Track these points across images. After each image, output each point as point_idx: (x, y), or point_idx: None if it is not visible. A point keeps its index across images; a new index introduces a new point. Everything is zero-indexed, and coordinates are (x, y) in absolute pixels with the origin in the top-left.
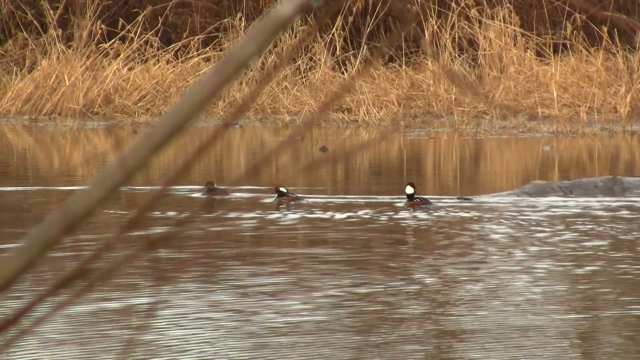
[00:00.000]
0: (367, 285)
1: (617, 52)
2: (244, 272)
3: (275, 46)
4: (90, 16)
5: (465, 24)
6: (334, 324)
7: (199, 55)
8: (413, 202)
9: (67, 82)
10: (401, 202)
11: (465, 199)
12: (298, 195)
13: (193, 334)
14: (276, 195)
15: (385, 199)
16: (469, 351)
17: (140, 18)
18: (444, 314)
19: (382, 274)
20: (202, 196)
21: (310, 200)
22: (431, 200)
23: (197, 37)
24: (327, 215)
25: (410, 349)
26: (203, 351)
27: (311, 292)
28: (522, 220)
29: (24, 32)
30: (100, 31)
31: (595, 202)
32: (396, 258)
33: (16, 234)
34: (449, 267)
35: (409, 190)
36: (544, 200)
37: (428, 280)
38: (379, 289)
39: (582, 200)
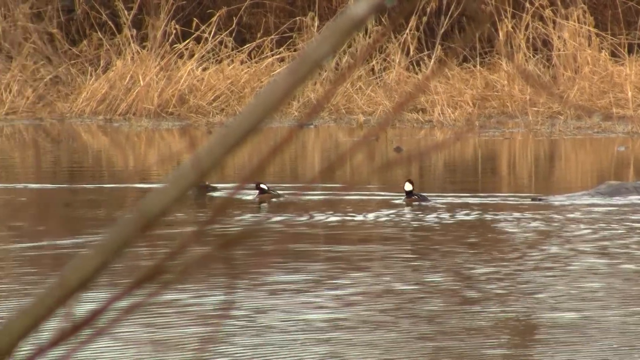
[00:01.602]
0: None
1: None
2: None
3: (349, 46)
4: (164, 16)
5: (539, 24)
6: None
7: (273, 55)
8: (411, 198)
9: (141, 82)
10: (473, 200)
11: (540, 199)
12: (279, 192)
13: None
14: (257, 192)
15: (461, 199)
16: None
17: (214, 19)
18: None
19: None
20: (193, 194)
21: (386, 199)
22: (429, 198)
23: (271, 37)
24: (400, 214)
25: (489, 353)
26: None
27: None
28: (596, 220)
29: (99, 33)
30: (174, 31)
31: None
32: (471, 258)
33: (92, 233)
34: (525, 267)
35: (408, 187)
36: (618, 201)
37: (503, 283)
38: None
39: None
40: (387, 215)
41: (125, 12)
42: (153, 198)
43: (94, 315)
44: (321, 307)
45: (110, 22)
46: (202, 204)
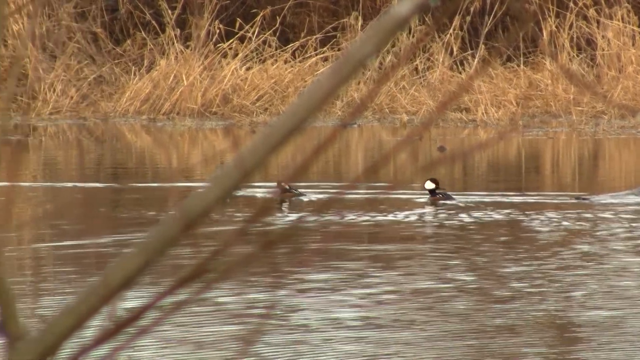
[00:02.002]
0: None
1: None
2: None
3: (393, 46)
4: (208, 16)
5: (583, 24)
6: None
7: (316, 54)
8: (435, 197)
9: (185, 82)
10: (516, 199)
11: (584, 198)
12: (300, 191)
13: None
14: (278, 190)
15: (507, 198)
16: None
17: (258, 18)
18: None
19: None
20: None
21: (422, 199)
22: (454, 196)
23: (314, 36)
24: (444, 213)
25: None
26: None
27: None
28: (638, 219)
29: (142, 32)
30: (218, 31)
31: None
32: (509, 257)
33: (135, 232)
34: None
35: (430, 185)
36: None
37: (539, 281)
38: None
39: None
40: (424, 214)
41: (169, 12)
42: (196, 198)
43: (138, 314)
44: (354, 306)
45: (154, 22)
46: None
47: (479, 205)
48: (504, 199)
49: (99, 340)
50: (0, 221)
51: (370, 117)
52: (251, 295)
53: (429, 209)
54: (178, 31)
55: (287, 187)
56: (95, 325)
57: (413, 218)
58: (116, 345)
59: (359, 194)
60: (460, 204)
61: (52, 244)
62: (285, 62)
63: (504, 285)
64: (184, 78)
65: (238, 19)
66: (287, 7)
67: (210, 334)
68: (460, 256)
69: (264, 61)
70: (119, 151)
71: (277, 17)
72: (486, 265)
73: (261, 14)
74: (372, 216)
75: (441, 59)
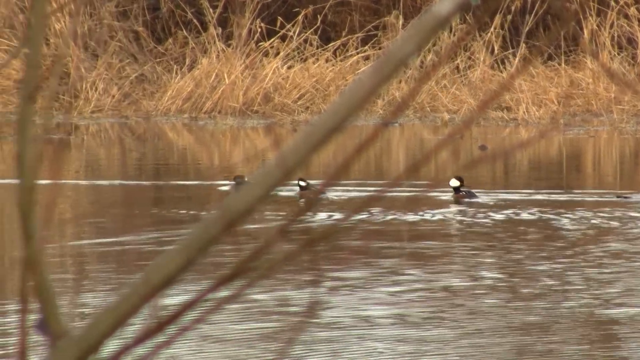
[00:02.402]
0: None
1: None
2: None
3: (434, 45)
4: (249, 15)
5: (624, 22)
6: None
7: (358, 53)
8: (459, 195)
9: (226, 80)
10: (559, 198)
11: (624, 196)
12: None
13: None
14: (298, 188)
15: (546, 196)
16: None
17: (300, 17)
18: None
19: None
20: (231, 190)
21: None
22: (477, 194)
23: (356, 35)
24: (489, 213)
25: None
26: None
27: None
28: None
29: (184, 31)
30: (259, 30)
31: None
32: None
33: (176, 229)
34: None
35: (454, 183)
36: None
37: (572, 278)
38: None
39: None
40: (457, 212)
41: (211, 11)
42: (238, 196)
43: (179, 313)
44: (385, 304)
45: (195, 21)
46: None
47: (512, 204)
48: (543, 197)
49: (140, 339)
50: (43, 219)
51: (412, 115)
52: (283, 293)
53: (462, 208)
54: (220, 30)
55: (307, 184)
56: (136, 324)
57: (449, 216)
58: (157, 344)
59: (400, 192)
60: (489, 202)
61: (93, 242)
62: (327, 60)
63: (536, 283)
64: (226, 77)
65: (279, 17)
66: (328, 5)
67: (242, 331)
68: (492, 254)
69: (305, 60)
70: (161, 150)
71: (319, 16)
72: (518, 263)
73: (303, 13)
74: (408, 214)
75: (482, 58)
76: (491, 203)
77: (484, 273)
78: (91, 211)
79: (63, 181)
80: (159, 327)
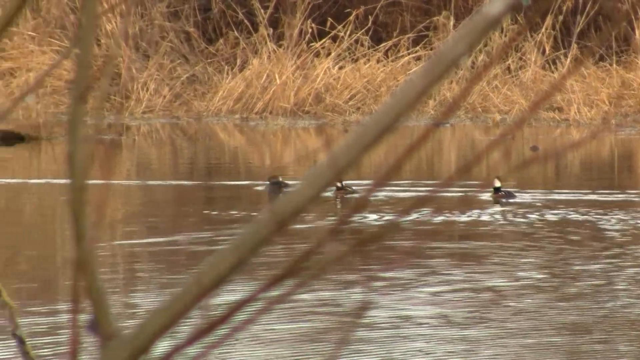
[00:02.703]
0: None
1: None
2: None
3: (485, 45)
4: (300, 15)
5: None
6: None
7: (409, 54)
8: (498, 194)
9: (278, 81)
10: (611, 198)
11: None
12: (354, 189)
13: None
14: (335, 188)
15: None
16: None
17: (351, 17)
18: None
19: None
20: (266, 191)
21: (522, 198)
22: (515, 194)
23: (407, 35)
24: (535, 213)
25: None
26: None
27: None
28: None
29: (235, 31)
30: (310, 30)
31: None
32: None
33: (227, 229)
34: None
35: (497, 183)
36: None
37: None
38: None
39: None
40: (500, 213)
41: (262, 11)
42: (289, 196)
43: (231, 313)
44: (424, 303)
45: (246, 21)
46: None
47: (559, 204)
48: (594, 197)
49: (191, 339)
50: (93, 219)
51: (463, 116)
52: (322, 293)
53: (507, 208)
54: (271, 30)
55: (342, 185)
56: (187, 324)
57: (494, 217)
58: (208, 344)
59: (452, 192)
60: (536, 202)
61: (144, 242)
62: (378, 61)
63: (580, 283)
64: (277, 77)
65: (330, 18)
66: (379, 6)
67: (281, 331)
68: (536, 254)
69: (356, 60)
70: (212, 150)
71: (370, 16)
72: (563, 263)
73: (354, 14)
74: (452, 215)
75: (533, 58)
76: (539, 203)
77: (528, 273)
78: (142, 211)
79: (114, 181)
80: (210, 327)
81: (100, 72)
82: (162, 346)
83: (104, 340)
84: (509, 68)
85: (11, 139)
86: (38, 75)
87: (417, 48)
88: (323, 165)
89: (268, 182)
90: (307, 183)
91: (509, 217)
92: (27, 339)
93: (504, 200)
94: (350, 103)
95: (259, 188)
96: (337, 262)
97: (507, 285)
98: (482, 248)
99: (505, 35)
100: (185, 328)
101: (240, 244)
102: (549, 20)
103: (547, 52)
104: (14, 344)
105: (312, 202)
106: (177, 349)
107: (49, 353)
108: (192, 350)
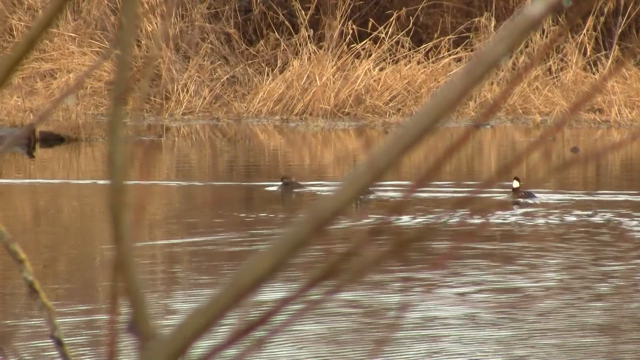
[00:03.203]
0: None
1: None
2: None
3: (526, 46)
4: (340, 17)
5: None
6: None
7: (450, 55)
8: (517, 194)
9: (318, 82)
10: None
11: None
12: (370, 189)
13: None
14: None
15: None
16: None
17: (392, 19)
18: None
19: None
20: (279, 191)
21: (557, 199)
22: (535, 194)
23: (447, 37)
24: (571, 214)
25: None
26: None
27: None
28: None
29: (276, 33)
30: (351, 31)
31: None
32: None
33: (266, 230)
34: None
35: (515, 184)
36: None
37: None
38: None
39: None
40: (529, 213)
41: (302, 12)
42: (328, 198)
43: (270, 314)
44: (450, 304)
45: (287, 22)
46: (287, 200)
47: (588, 204)
48: (629, 198)
49: (230, 340)
50: (133, 220)
51: (504, 117)
52: (350, 294)
53: (531, 209)
54: (311, 31)
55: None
56: (226, 325)
57: (518, 217)
58: (247, 345)
59: (501, 192)
60: (564, 203)
61: (183, 242)
62: (418, 62)
63: (600, 284)
64: (317, 78)
65: (371, 19)
66: (420, 7)
67: (305, 332)
68: (558, 255)
69: (397, 62)
70: (251, 151)
71: (411, 18)
72: (588, 264)
73: (395, 15)
74: (478, 216)
75: (574, 60)
76: (567, 204)
77: (553, 274)
78: (181, 212)
79: (154, 182)
80: (249, 328)
81: (140, 74)
82: (201, 347)
83: (142, 341)
84: (550, 69)
85: (51, 140)
86: (78, 76)
87: (458, 49)
88: (362, 166)
89: (281, 182)
90: (346, 185)
91: (538, 217)
92: (65, 341)
93: (522, 200)
94: (390, 104)
95: (271, 188)
96: (377, 264)
97: (535, 286)
98: (510, 249)
99: (546, 37)
100: (223, 329)
101: (279, 246)
102: (590, 21)
103: (588, 53)
104: (53, 345)
105: (351, 203)
106: (215, 350)
107: (87, 354)
108: (231, 351)
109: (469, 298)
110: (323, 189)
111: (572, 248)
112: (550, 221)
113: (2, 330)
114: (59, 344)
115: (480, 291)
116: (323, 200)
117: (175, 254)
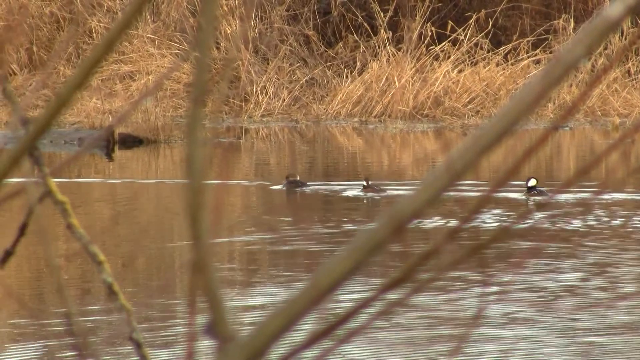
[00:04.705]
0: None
1: None
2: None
3: (605, 48)
4: (419, 19)
5: None
6: None
7: (528, 57)
8: (531, 193)
9: (397, 84)
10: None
11: None
12: (382, 187)
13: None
14: (362, 187)
15: None
16: None
17: (471, 21)
18: None
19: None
20: (283, 189)
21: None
22: (548, 193)
23: (526, 39)
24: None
25: None
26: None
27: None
28: None
29: (355, 35)
30: (430, 33)
31: None
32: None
33: (345, 231)
34: None
35: (532, 182)
36: None
37: None
38: None
39: None
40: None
41: (381, 14)
42: (406, 200)
43: (348, 316)
44: (469, 304)
45: (366, 24)
46: (292, 199)
47: (613, 206)
48: None
49: (308, 343)
50: (211, 221)
51: (582, 119)
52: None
53: (556, 211)
54: (390, 33)
55: (368, 184)
56: (304, 327)
57: (545, 217)
58: (326, 347)
59: (580, 193)
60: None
61: (263, 243)
62: (497, 64)
63: (617, 285)
64: (396, 80)
65: (450, 21)
66: (499, 9)
67: (366, 334)
68: (578, 255)
69: (475, 64)
70: (330, 153)
71: (490, 20)
72: (610, 264)
73: (474, 17)
74: (591, 219)
75: None
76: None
77: (586, 274)
78: (263, 212)
79: (233, 181)
80: (327, 330)
81: (219, 76)
82: (279, 349)
83: (221, 342)
84: (628, 71)
85: (130, 142)
86: (157, 78)
87: (537, 51)
88: (441, 168)
89: (285, 181)
90: (425, 186)
91: (566, 217)
92: (144, 343)
93: (535, 199)
94: (469, 106)
95: (276, 187)
96: (455, 266)
97: (548, 286)
98: (537, 248)
99: (625, 38)
100: (302, 331)
101: (357, 247)
102: None
103: None
104: (131, 348)
105: (429, 205)
106: (294, 352)
107: (165, 356)
108: (309, 353)
109: (501, 297)
110: (401, 191)
111: (598, 248)
112: (579, 221)
113: (81, 332)
114: (138, 345)
115: (512, 290)
116: (402, 201)
117: (254, 253)
